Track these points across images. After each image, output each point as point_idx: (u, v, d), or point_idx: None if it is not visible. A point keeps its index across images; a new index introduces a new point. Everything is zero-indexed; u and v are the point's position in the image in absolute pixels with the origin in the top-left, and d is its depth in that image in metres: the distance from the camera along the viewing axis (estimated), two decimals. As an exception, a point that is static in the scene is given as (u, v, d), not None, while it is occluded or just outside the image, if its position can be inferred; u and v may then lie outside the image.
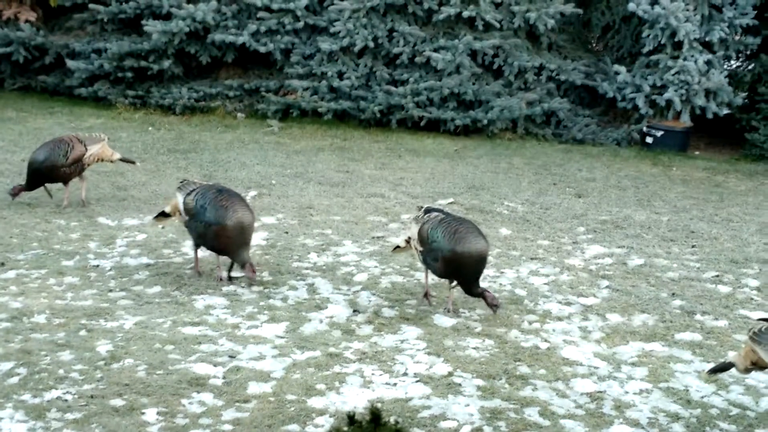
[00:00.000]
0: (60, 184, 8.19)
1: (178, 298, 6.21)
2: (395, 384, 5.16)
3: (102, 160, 8.35)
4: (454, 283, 6.18)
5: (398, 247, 6.66)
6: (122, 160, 8.51)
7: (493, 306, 6.04)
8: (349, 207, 8.60)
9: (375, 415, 2.43)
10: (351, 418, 2.47)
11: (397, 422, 2.54)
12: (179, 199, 6.53)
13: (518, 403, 5.00)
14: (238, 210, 6.28)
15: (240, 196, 6.59)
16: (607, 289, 6.79)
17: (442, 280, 6.33)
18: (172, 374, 5.11)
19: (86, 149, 8.09)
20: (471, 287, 6.06)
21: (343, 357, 5.46)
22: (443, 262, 6.00)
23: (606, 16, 12.95)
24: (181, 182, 6.73)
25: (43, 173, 7.97)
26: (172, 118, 12.17)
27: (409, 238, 6.35)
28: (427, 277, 6.35)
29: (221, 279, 6.47)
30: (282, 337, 5.70)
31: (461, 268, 6.01)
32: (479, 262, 6.01)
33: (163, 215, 6.86)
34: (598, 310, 6.39)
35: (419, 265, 7.04)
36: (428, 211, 6.36)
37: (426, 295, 6.35)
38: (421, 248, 6.16)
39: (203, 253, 6.67)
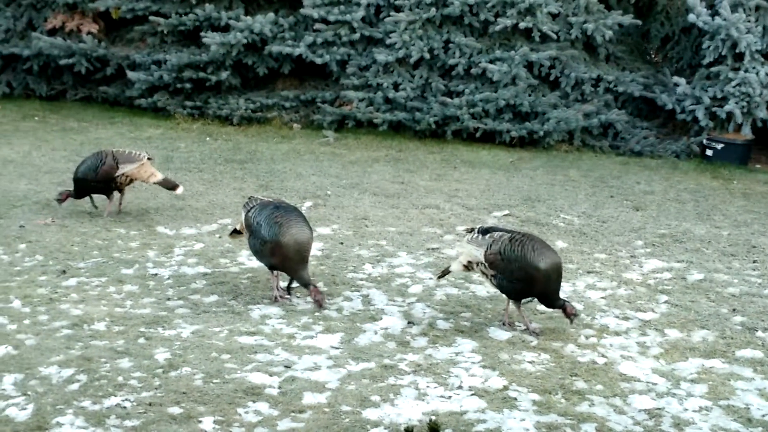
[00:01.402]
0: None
1: (234, 308, 6.27)
2: (450, 397, 5.14)
3: (139, 180, 8.20)
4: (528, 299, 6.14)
5: (447, 272, 6.47)
6: (163, 184, 8.19)
7: (572, 315, 5.95)
8: (404, 218, 8.60)
9: (433, 428, 2.42)
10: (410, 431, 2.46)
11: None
12: (242, 216, 6.56)
13: (575, 418, 4.94)
14: (293, 226, 6.24)
15: (298, 211, 6.52)
16: (666, 304, 6.69)
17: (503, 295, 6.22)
18: (228, 383, 5.15)
19: (117, 168, 7.99)
20: (554, 300, 5.99)
21: (397, 369, 5.46)
22: (527, 281, 5.90)
23: (665, 27, 12.79)
24: (247, 199, 6.72)
25: (79, 184, 8.10)
26: (230, 128, 12.31)
27: (470, 262, 6.17)
28: (509, 303, 6.19)
29: (276, 299, 6.44)
30: (337, 348, 5.71)
31: (548, 284, 5.92)
32: (560, 274, 5.98)
33: (236, 232, 6.88)
34: (657, 325, 6.29)
35: (475, 277, 7.03)
36: (485, 231, 6.19)
37: (506, 323, 6.19)
38: (492, 272, 6.02)
39: (253, 263, 6.75)
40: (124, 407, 4.85)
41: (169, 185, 8.28)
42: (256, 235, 6.31)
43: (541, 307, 6.47)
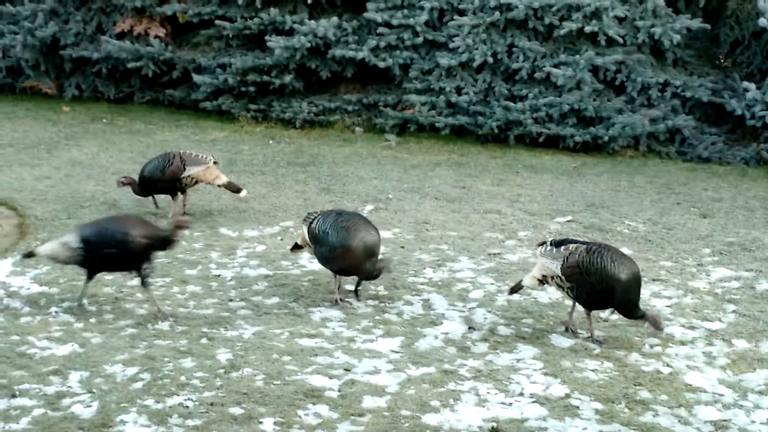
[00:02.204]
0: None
1: (295, 310, 6.30)
2: (511, 404, 5.10)
3: (204, 182, 8.41)
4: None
5: (519, 286, 6.32)
6: (227, 187, 8.40)
7: (657, 326, 5.84)
8: (465, 223, 8.56)
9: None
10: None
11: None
12: (304, 230, 6.57)
13: (638, 428, 4.86)
14: (361, 230, 6.30)
15: (361, 216, 6.65)
16: (734, 313, 6.54)
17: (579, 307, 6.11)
18: (288, 385, 5.18)
19: (184, 169, 8.18)
20: (634, 311, 5.90)
21: (458, 374, 5.43)
22: (607, 293, 5.82)
23: (735, 31, 12.51)
24: (306, 215, 6.73)
25: (145, 183, 8.26)
26: (292, 131, 12.39)
27: (545, 275, 6.04)
28: (573, 310, 6.15)
29: (337, 302, 6.46)
30: (397, 352, 5.71)
31: (627, 295, 5.84)
32: (639, 284, 5.91)
33: (297, 247, 6.90)
34: (724, 335, 6.15)
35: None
36: (559, 243, 6.06)
37: (568, 329, 6.14)
38: (569, 284, 5.91)
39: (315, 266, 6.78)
40: (187, 407, 4.90)
41: (234, 188, 8.43)
42: (323, 244, 6.33)
43: (604, 314, 6.40)
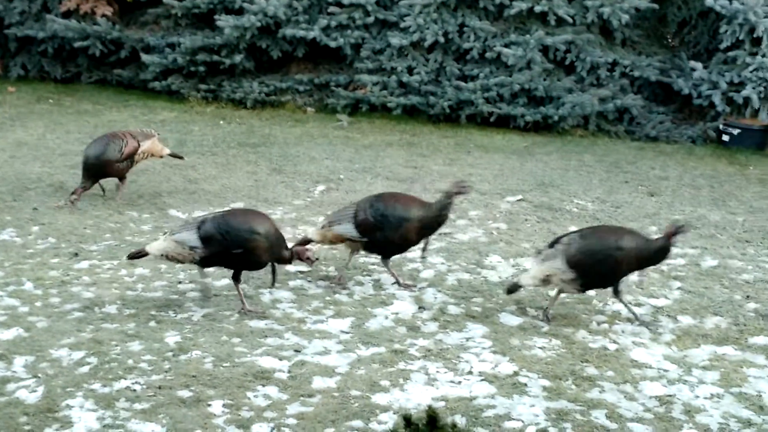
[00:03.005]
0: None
1: (245, 291, 6.26)
2: (460, 382, 5.13)
3: (153, 156, 8.40)
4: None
5: (516, 287, 6.13)
6: (171, 155, 8.57)
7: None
8: (416, 203, 8.56)
9: (432, 417, 2.40)
10: (408, 420, 2.45)
11: (454, 425, 2.51)
12: (343, 228, 6.38)
13: (585, 404, 4.93)
14: (409, 199, 6.50)
15: (395, 194, 6.82)
16: (679, 290, 6.64)
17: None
18: (238, 367, 5.16)
19: (139, 144, 8.14)
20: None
21: (407, 354, 5.45)
22: (615, 266, 5.87)
23: (682, 11, 12.65)
24: (328, 218, 6.59)
25: (98, 168, 8.01)
26: (243, 111, 12.29)
27: (548, 275, 5.93)
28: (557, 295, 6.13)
29: (401, 284, 6.50)
30: (347, 333, 5.71)
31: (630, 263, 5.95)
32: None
33: (305, 242, 6.53)
34: (669, 311, 6.25)
35: (486, 262, 7.01)
36: (553, 244, 6.03)
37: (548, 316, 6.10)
38: (574, 275, 5.85)
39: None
40: (134, 390, 4.86)
41: (177, 156, 8.75)
42: (385, 227, 6.28)
43: (563, 295, 6.47)
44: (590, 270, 5.85)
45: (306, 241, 6.50)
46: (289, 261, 6.03)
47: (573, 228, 7.92)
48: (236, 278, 5.97)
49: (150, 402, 4.74)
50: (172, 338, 5.48)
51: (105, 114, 11.78)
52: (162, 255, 5.94)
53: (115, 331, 5.57)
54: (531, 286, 6.12)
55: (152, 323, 5.70)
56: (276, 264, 6.02)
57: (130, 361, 5.17)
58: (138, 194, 8.44)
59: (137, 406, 4.71)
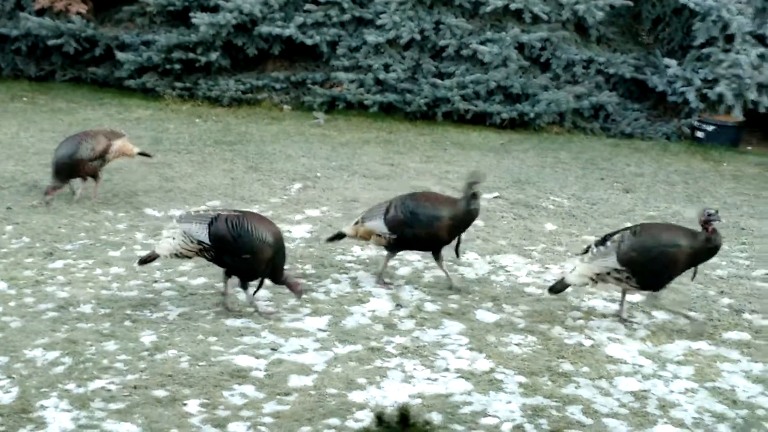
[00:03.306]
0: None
1: (222, 290, 6.24)
2: (436, 379, 5.14)
3: (124, 155, 8.29)
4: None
5: (564, 285, 6.07)
6: (141, 153, 8.48)
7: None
8: (393, 200, 8.56)
9: (404, 415, 2.40)
10: (379, 419, 2.45)
11: (427, 422, 2.51)
12: (374, 224, 6.43)
13: (561, 400, 4.95)
14: (441, 198, 6.55)
15: (427, 193, 6.91)
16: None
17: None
18: (214, 366, 5.14)
19: (110, 143, 8.05)
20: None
21: (384, 351, 5.45)
22: (668, 262, 5.81)
23: (657, 8, 12.73)
24: (363, 213, 6.65)
25: (70, 168, 7.90)
26: (219, 109, 12.25)
27: (598, 274, 5.88)
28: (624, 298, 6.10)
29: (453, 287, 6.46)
30: (324, 331, 5.70)
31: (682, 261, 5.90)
32: None
33: (338, 237, 6.68)
34: (644, 307, 6.29)
35: (463, 259, 7.02)
36: (601, 242, 5.96)
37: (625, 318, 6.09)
38: (628, 273, 5.81)
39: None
40: (109, 390, 4.83)
41: (147, 154, 8.64)
42: (414, 225, 6.33)
43: (530, 290, 6.49)
44: (644, 267, 5.79)
45: (340, 236, 6.66)
46: (280, 282, 5.94)
47: (549, 224, 7.98)
48: (244, 283, 5.89)
49: (125, 402, 4.72)
50: (147, 337, 5.46)
51: (79, 112, 11.70)
52: (172, 254, 5.86)
53: (90, 330, 5.54)
54: (579, 285, 6.06)
55: (127, 323, 5.67)
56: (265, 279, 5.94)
57: (105, 361, 5.14)
58: (113, 193, 8.39)
59: (112, 406, 4.68)
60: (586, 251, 6.04)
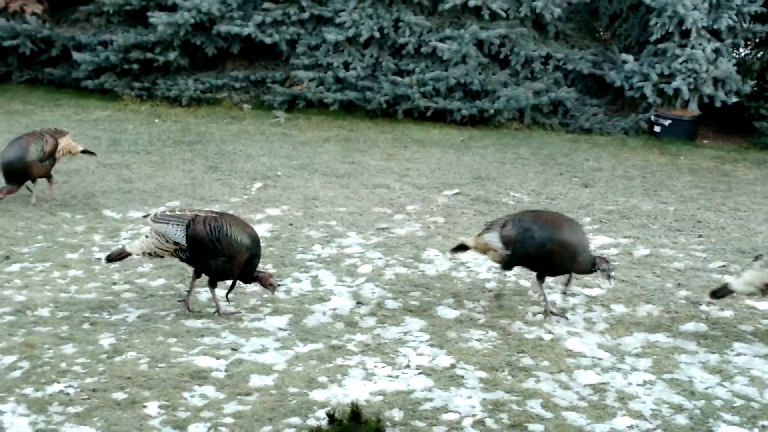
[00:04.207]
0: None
1: (182, 291, 6.21)
2: (397, 376, 5.16)
3: (69, 153, 8.13)
4: None
5: (727, 291, 5.94)
6: (84, 151, 8.31)
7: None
8: (354, 198, 8.58)
9: (355, 413, 2.41)
10: (331, 417, 2.46)
11: (378, 419, 2.52)
12: (490, 236, 6.10)
13: (521, 395, 4.99)
14: (564, 223, 6.04)
15: (554, 212, 6.51)
16: (612, 279, 6.74)
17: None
18: (174, 367, 5.11)
19: (57, 142, 7.89)
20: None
21: (345, 349, 5.46)
22: None
23: (613, 4, 12.85)
24: (486, 225, 6.33)
25: (21, 171, 7.72)
26: (179, 109, 12.16)
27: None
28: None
29: (549, 313, 6.07)
30: (285, 330, 5.70)
31: None
32: None
33: (461, 248, 6.37)
34: (603, 300, 6.36)
35: (424, 256, 7.04)
36: None
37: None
38: None
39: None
40: (68, 394, 4.79)
41: (90, 152, 8.49)
42: (527, 243, 5.92)
43: (490, 285, 6.53)
44: None
45: (463, 247, 6.33)
46: (251, 281, 5.91)
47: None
48: (213, 283, 5.85)
49: (84, 405, 4.67)
50: (106, 340, 5.41)
51: (36, 114, 11.55)
52: (145, 252, 5.78)
53: (48, 334, 5.48)
54: (744, 294, 5.97)
55: (86, 325, 5.62)
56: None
57: (64, 365, 5.09)
58: (71, 195, 8.30)
59: (71, 409, 4.64)
60: (756, 259, 5.88)
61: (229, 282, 5.86)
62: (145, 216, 6.14)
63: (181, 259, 5.82)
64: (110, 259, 5.92)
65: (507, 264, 6.13)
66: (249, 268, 5.79)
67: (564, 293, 6.32)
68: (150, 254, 5.79)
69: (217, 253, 5.67)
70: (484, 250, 6.20)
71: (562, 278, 6.23)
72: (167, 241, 5.69)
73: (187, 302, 5.89)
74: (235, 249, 5.68)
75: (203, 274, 5.84)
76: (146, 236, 5.79)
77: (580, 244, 5.92)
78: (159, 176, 9.05)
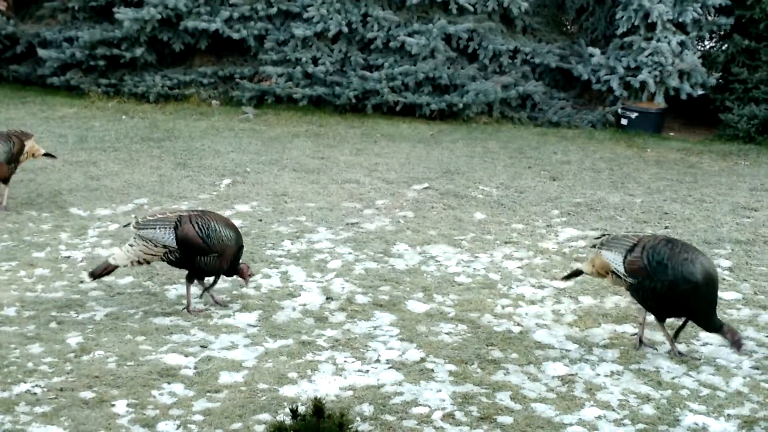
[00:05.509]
0: None
1: (150, 289, 6.18)
2: (367, 371, 5.16)
3: (35, 155, 7.95)
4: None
5: None
6: (45, 155, 8.09)
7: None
8: (323, 193, 8.57)
9: (318, 408, 2.42)
10: (294, 412, 2.46)
11: (342, 414, 2.53)
12: (612, 257, 5.48)
13: (490, 387, 5.01)
14: (704, 261, 5.33)
15: (694, 248, 5.50)
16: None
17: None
18: (142, 365, 5.08)
19: (23, 144, 7.73)
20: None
21: (315, 345, 5.46)
22: None
23: (580, -3, 12.94)
24: (602, 237, 5.75)
25: None
26: (146, 106, 12.09)
27: None
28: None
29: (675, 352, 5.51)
30: (254, 326, 5.68)
31: None
32: None
33: (575, 274, 5.89)
34: (571, 293, 6.40)
35: (393, 250, 7.05)
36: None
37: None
38: None
39: None
40: (35, 393, 4.75)
41: (51, 155, 8.25)
42: (657, 278, 5.28)
43: (460, 279, 6.55)
44: None
45: (577, 273, 5.84)
46: (235, 273, 5.93)
47: (478, 214, 8.05)
48: (192, 279, 5.83)
49: (51, 405, 4.64)
50: (73, 339, 5.37)
51: (2, 111, 11.43)
52: (133, 261, 5.73)
53: (14, 333, 5.43)
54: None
55: (53, 324, 5.57)
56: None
57: (30, 364, 5.04)
58: (37, 193, 8.23)
59: (38, 409, 4.60)
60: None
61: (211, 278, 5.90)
62: (125, 225, 6.10)
63: (170, 262, 5.79)
64: (94, 275, 5.81)
65: (630, 292, 5.51)
66: (235, 262, 5.83)
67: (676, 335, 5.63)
68: (138, 262, 5.77)
69: (209, 250, 5.70)
70: (602, 273, 5.62)
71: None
72: (156, 246, 5.68)
73: (215, 299, 5.94)
74: (225, 243, 5.74)
75: (191, 273, 5.81)
76: (130, 245, 5.76)
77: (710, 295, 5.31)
78: (126, 173, 8.98)
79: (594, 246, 5.75)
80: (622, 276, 5.44)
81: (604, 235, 5.82)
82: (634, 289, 5.43)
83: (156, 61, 12.55)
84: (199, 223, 5.71)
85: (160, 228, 5.68)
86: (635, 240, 5.47)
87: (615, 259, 5.45)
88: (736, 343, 5.28)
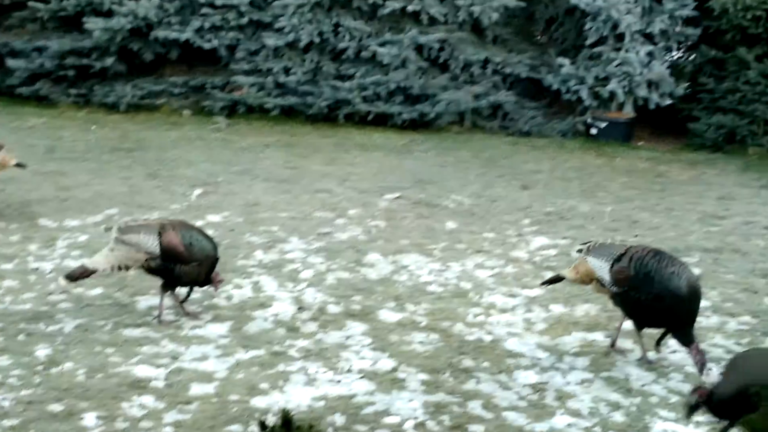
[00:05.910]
0: None
1: (119, 300, 6.14)
2: (339, 381, 5.15)
3: (6, 167, 7.84)
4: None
5: None
6: (16, 165, 7.92)
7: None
8: (295, 203, 8.57)
9: (286, 420, 2.42)
10: (262, 424, 2.46)
11: (311, 426, 2.53)
12: (598, 264, 5.43)
13: (462, 396, 5.02)
14: (690, 276, 5.29)
15: (681, 261, 5.46)
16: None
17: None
18: (112, 377, 5.04)
19: None
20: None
21: (287, 355, 5.44)
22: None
23: (549, 9, 13.06)
24: (587, 245, 5.67)
25: None
26: (116, 116, 12.02)
27: None
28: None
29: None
30: (225, 337, 5.66)
31: None
32: None
33: (556, 280, 5.81)
34: (542, 301, 6.43)
35: (365, 260, 7.05)
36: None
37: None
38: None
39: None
40: (2, 407, 4.68)
41: (22, 165, 8.00)
42: (644, 290, 5.25)
43: (432, 288, 6.57)
44: None
45: (558, 279, 5.77)
46: (208, 282, 5.90)
47: (450, 223, 8.08)
48: (166, 289, 5.79)
49: (20, 418, 4.58)
50: (42, 351, 5.31)
51: (-31, 122, 11.33)
52: (113, 267, 5.67)
53: (-18, 346, 5.37)
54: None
55: (21, 336, 5.51)
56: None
57: (-2, 377, 4.99)
58: (5, 204, 8.15)
59: (6, 422, 4.55)
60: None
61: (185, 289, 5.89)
62: (107, 229, 6.05)
63: (149, 269, 5.74)
64: (72, 278, 5.74)
65: (614, 301, 5.49)
66: (210, 272, 5.83)
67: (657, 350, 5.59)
68: (119, 267, 5.71)
69: (190, 259, 5.69)
70: (586, 280, 5.58)
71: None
72: (138, 252, 5.64)
73: (187, 311, 5.89)
74: (206, 252, 5.74)
75: (166, 281, 5.77)
76: (110, 249, 5.70)
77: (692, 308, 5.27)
78: (96, 184, 8.92)
79: (580, 251, 5.69)
80: (606, 284, 5.41)
81: (590, 241, 5.80)
82: (618, 298, 5.41)
83: (126, 71, 12.49)
84: (182, 232, 5.70)
85: (144, 234, 5.66)
86: (623, 250, 5.42)
87: (601, 267, 5.41)
88: (699, 365, 5.16)
